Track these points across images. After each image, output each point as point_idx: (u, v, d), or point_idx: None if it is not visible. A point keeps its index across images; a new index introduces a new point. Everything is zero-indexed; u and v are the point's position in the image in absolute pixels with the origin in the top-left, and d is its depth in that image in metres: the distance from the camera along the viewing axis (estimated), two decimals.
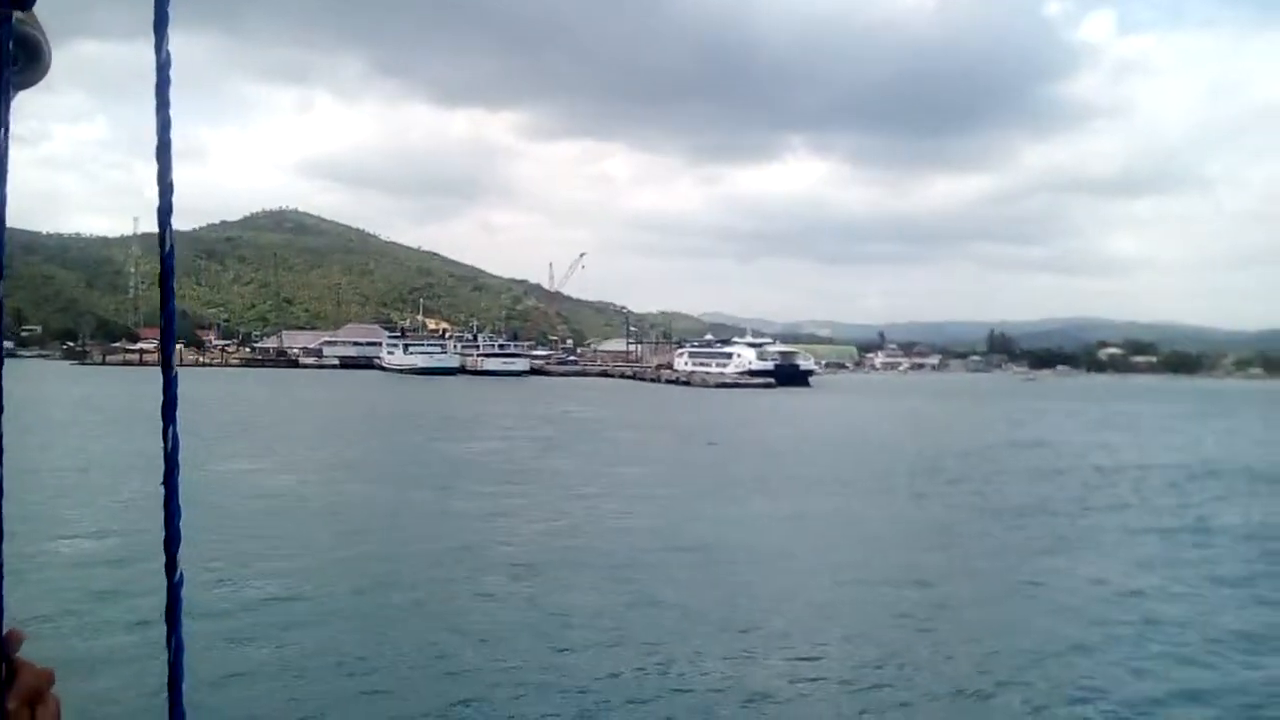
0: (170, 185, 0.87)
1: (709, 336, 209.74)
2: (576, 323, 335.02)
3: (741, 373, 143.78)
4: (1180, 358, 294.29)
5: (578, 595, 18.46)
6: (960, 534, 25.97)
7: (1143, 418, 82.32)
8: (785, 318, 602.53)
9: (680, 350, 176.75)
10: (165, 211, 0.87)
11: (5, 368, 1.12)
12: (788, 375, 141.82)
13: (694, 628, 16.49)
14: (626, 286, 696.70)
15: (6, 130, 1.19)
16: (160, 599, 0.90)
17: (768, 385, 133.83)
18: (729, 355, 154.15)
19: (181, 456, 0.90)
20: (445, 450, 44.61)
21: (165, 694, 0.92)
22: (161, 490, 0.89)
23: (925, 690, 13.79)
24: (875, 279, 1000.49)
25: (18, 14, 1.16)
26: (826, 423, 69.91)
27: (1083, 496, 33.88)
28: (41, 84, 1.79)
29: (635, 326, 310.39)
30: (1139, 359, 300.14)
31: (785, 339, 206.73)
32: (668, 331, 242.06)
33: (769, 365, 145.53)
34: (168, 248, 0.88)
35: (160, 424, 0.91)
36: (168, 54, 0.84)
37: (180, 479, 0.88)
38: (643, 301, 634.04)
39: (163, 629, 0.91)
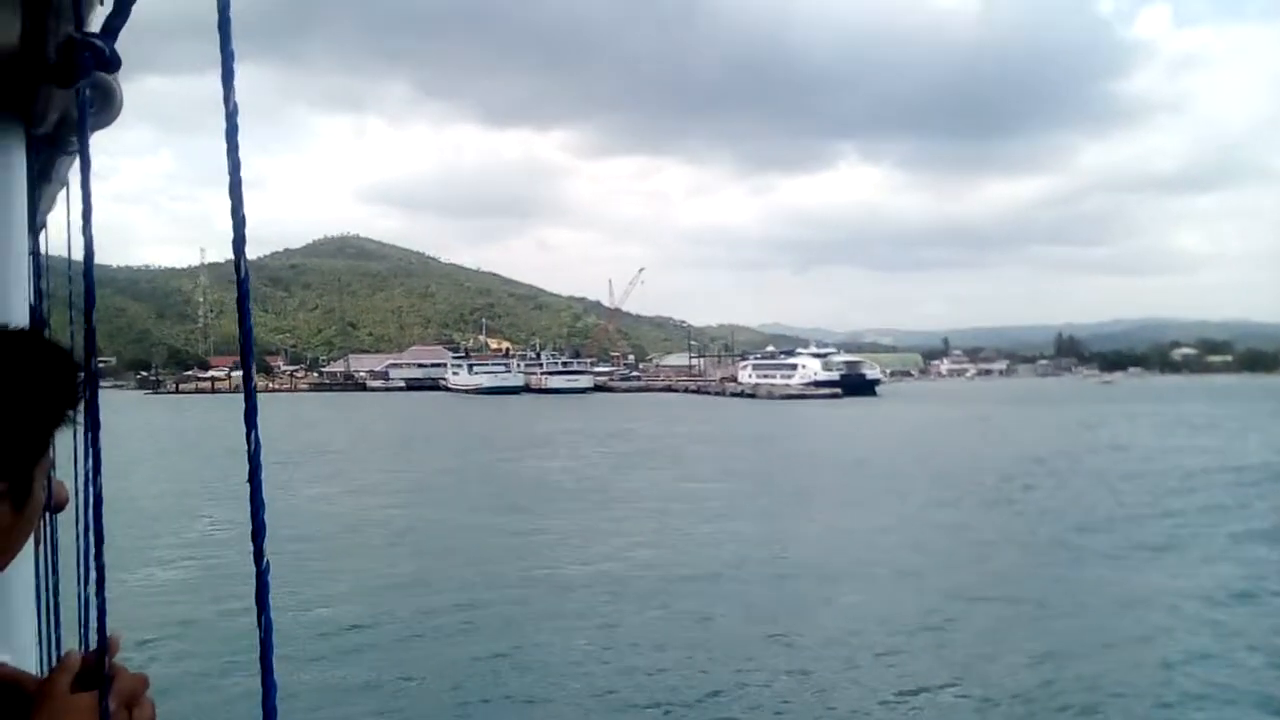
0: (243, 219, 0.92)
1: (770, 348, 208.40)
2: (636, 338, 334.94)
3: (807, 384, 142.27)
4: (1256, 356, 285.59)
5: (668, 616, 18.10)
6: (1060, 544, 25.15)
7: (1226, 419, 79.82)
8: (845, 327, 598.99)
9: (744, 363, 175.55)
10: (239, 243, 0.93)
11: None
12: (854, 385, 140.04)
13: (792, 649, 16.08)
14: (683, 301, 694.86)
15: (88, 171, 1.25)
16: (248, 592, 0.96)
17: (834, 395, 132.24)
18: (794, 366, 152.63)
19: (262, 457, 0.91)
20: (518, 470, 44.52)
21: (258, 687, 0.96)
22: (247, 487, 0.94)
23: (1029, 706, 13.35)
24: (933, 285, 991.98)
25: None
26: (900, 432, 68.62)
27: (1176, 501, 32.87)
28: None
29: (695, 340, 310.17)
30: (1214, 359, 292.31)
31: (847, 348, 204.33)
32: (729, 344, 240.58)
33: (835, 375, 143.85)
34: (243, 273, 0.93)
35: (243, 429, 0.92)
36: (235, 105, 0.89)
37: (263, 477, 0.93)
38: (701, 315, 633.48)
39: (253, 613, 0.95)
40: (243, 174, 0.95)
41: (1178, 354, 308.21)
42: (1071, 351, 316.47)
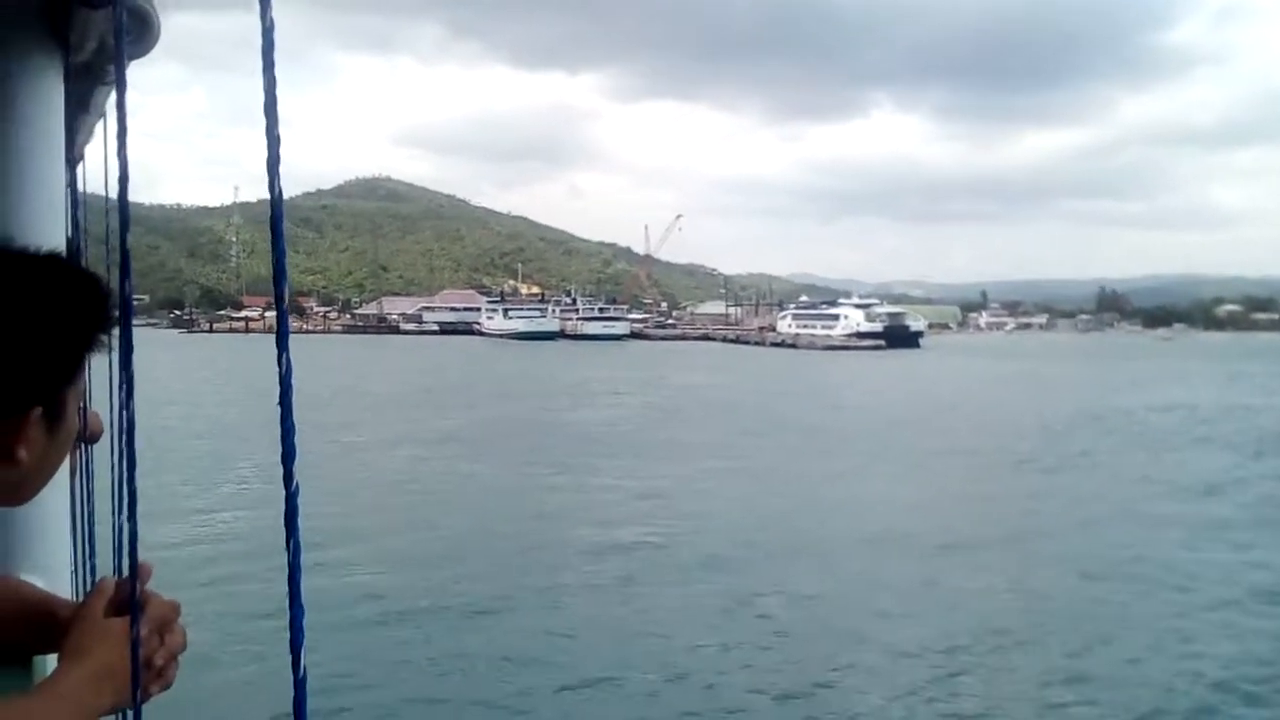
0: (278, 138, 0.89)
1: (804, 298, 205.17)
2: (667, 286, 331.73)
3: (849, 334, 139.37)
4: None
5: (723, 583, 16.54)
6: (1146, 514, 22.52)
7: None
8: (874, 278, 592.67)
9: (783, 312, 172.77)
10: (274, 163, 0.90)
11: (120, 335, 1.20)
12: (897, 337, 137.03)
13: (854, 623, 14.55)
14: (713, 249, 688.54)
15: (124, 98, 1.23)
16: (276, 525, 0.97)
17: (877, 347, 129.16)
18: (835, 317, 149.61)
19: (294, 380, 0.94)
20: (562, 421, 42.17)
21: (285, 614, 0.97)
22: (278, 409, 0.94)
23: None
24: (965, 238, 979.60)
25: None
26: (956, 387, 65.80)
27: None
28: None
29: (724, 289, 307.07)
30: (1260, 316, 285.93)
31: (879, 299, 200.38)
32: (766, 293, 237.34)
33: (878, 327, 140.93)
34: (277, 193, 0.90)
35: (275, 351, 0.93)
36: (272, 20, 0.87)
37: (294, 399, 0.93)
38: (731, 264, 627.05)
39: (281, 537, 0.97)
40: (278, 103, 0.90)
41: (1221, 311, 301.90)
42: (1113, 306, 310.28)
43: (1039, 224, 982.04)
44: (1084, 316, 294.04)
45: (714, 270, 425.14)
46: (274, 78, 0.88)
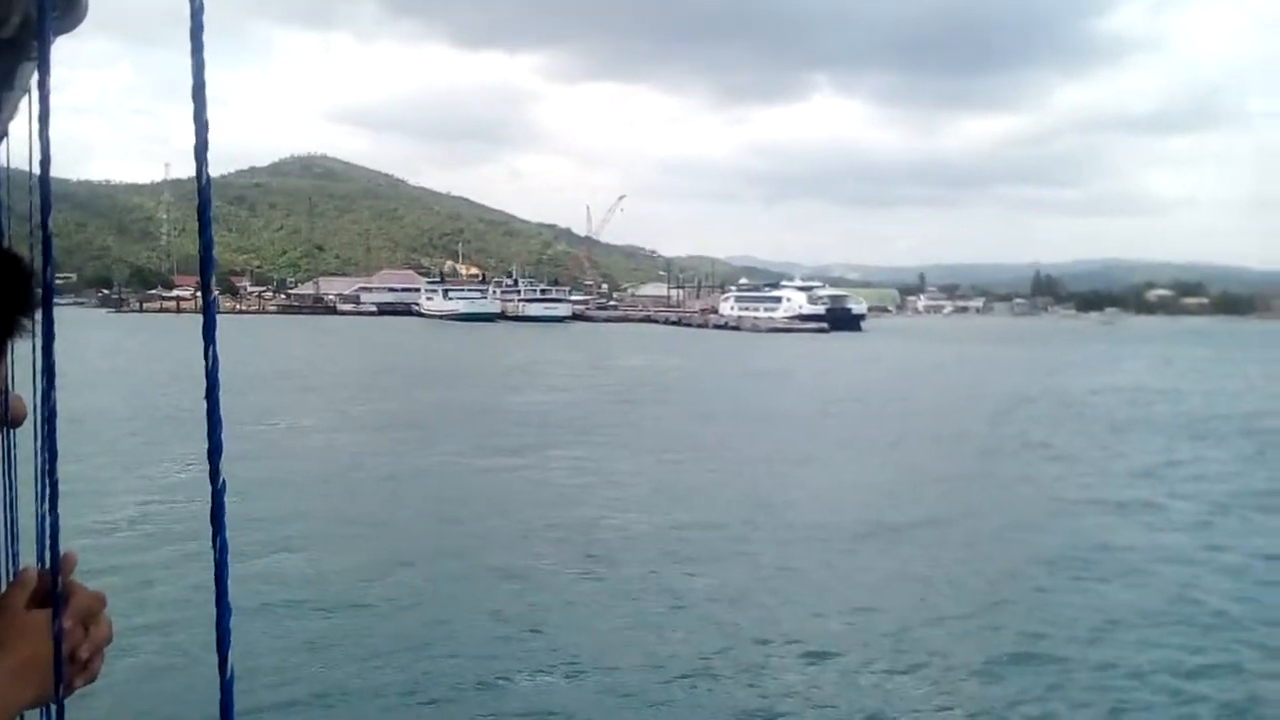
0: (206, 124, 0.86)
1: (745, 281, 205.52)
2: (606, 268, 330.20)
3: (792, 317, 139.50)
4: (1231, 299, 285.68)
5: (676, 572, 16.05)
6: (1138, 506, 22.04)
7: (1231, 363, 77.36)
8: (813, 261, 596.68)
9: (725, 295, 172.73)
10: (201, 149, 0.87)
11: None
12: (839, 319, 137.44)
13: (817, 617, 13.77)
14: (654, 231, 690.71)
15: (47, 76, 1.20)
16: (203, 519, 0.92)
17: (820, 330, 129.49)
18: (778, 299, 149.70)
19: (220, 374, 0.88)
20: (509, 404, 41.07)
21: (211, 608, 0.94)
22: (204, 404, 0.90)
23: None
24: (903, 222, 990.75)
25: None
26: (897, 370, 66.18)
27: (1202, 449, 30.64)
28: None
29: (664, 271, 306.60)
30: (1189, 300, 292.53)
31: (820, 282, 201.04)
32: (708, 276, 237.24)
33: (820, 309, 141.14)
34: (204, 180, 0.87)
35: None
36: (201, 1, 0.83)
37: (220, 395, 0.88)
38: (671, 246, 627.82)
39: (206, 536, 0.93)
40: (206, 85, 0.86)
41: (1153, 295, 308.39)
42: (1048, 291, 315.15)
43: (976, 209, 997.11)
44: (1019, 300, 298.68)
45: (654, 252, 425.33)
46: (202, 61, 0.86)
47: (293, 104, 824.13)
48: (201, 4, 0.84)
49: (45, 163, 1.20)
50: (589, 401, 42.52)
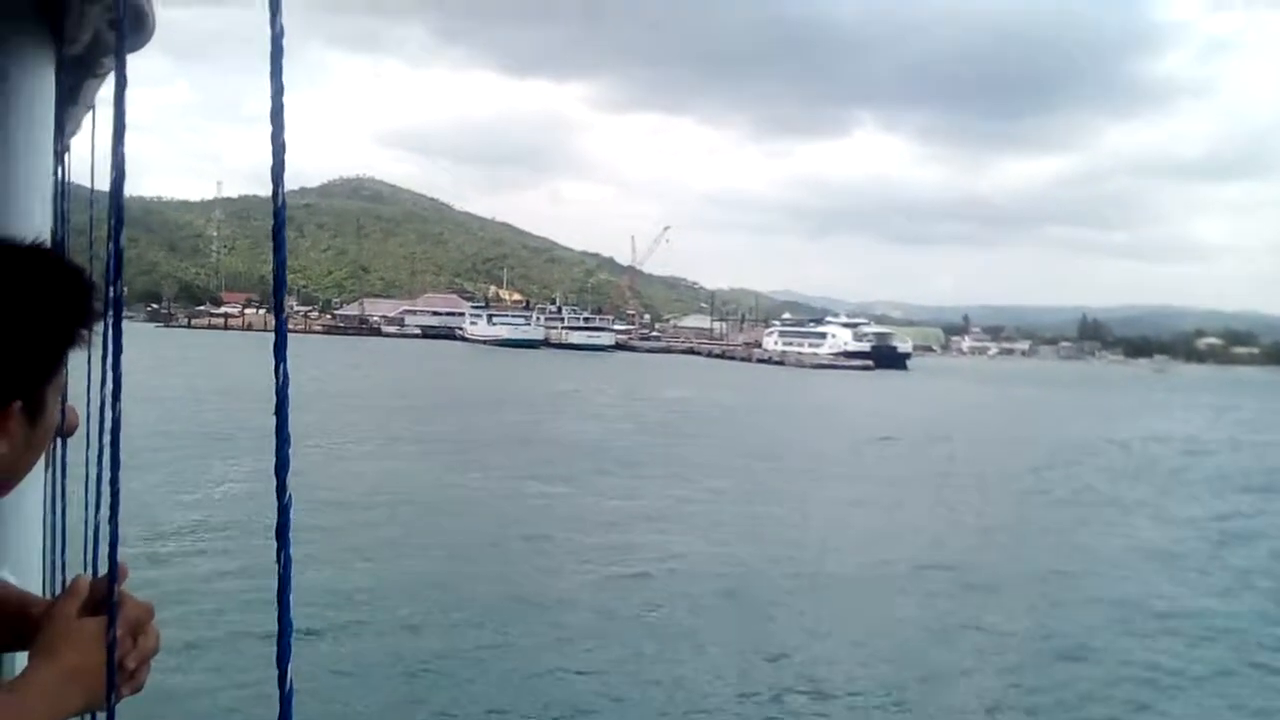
0: (283, 146, 0.91)
1: (788, 316, 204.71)
2: (648, 298, 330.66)
3: (837, 353, 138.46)
4: None
5: (731, 616, 15.38)
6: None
7: None
8: (855, 297, 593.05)
9: (769, 329, 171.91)
10: (278, 171, 0.92)
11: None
12: (885, 357, 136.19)
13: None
14: (695, 262, 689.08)
15: (124, 94, 1.20)
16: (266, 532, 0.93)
17: (865, 367, 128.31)
18: (822, 335, 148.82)
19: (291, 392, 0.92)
20: (553, 432, 40.49)
21: (274, 624, 0.94)
22: (274, 419, 0.92)
23: None
24: (946, 260, 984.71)
25: None
26: (948, 411, 64.83)
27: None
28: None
29: (705, 303, 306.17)
30: (1240, 350, 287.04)
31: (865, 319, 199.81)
32: (752, 308, 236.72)
33: (865, 346, 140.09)
34: (280, 202, 0.93)
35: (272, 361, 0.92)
36: (281, 26, 0.86)
37: (290, 410, 0.92)
38: (712, 278, 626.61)
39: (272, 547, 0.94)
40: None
41: (1202, 343, 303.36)
42: (1094, 335, 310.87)
43: (1021, 249, 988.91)
44: (1065, 344, 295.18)
45: (695, 284, 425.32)
46: (281, 85, 0.87)
47: (343, 126, 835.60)
48: (283, 29, 0.85)
49: (119, 179, 1.20)
50: (635, 433, 41.93)
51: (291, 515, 0.93)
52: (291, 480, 0.93)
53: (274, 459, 0.94)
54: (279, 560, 0.97)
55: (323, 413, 42.03)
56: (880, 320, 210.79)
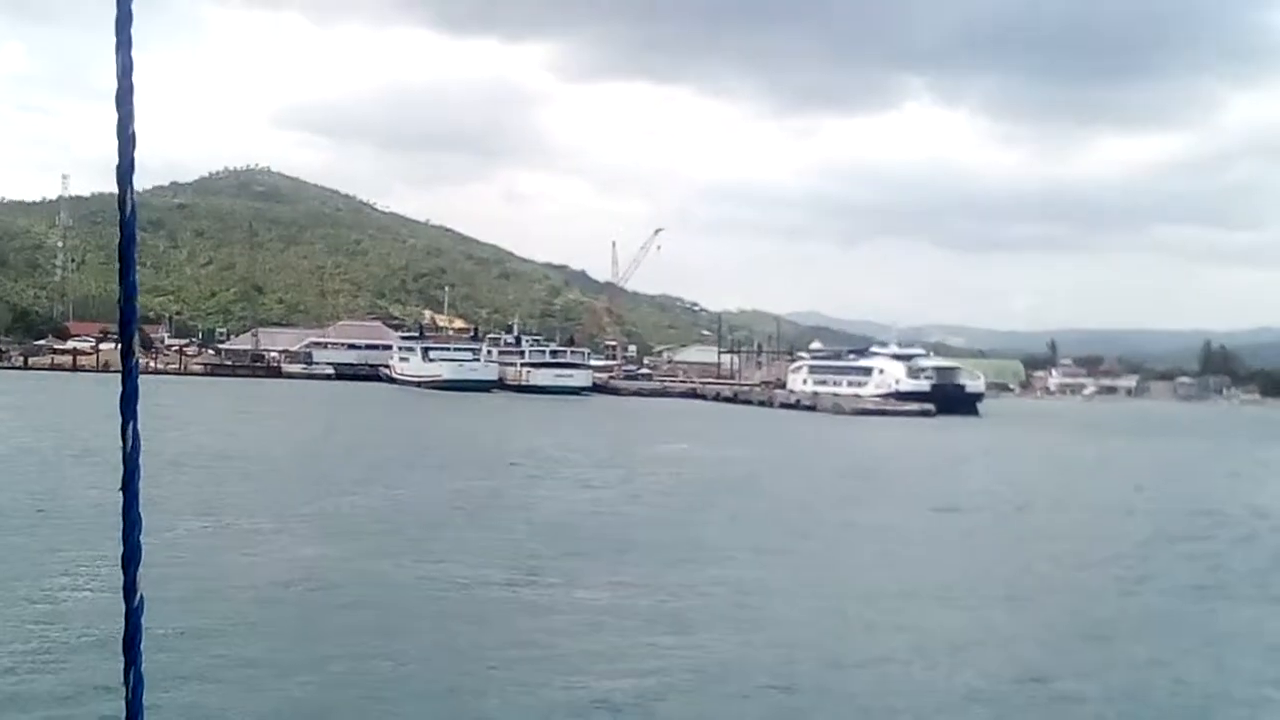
0: (132, 138, 0.85)
1: (816, 345, 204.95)
2: (633, 324, 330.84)
3: (886, 394, 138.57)
4: None
5: None
6: None
7: None
8: (903, 321, 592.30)
9: (796, 364, 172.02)
10: (126, 170, 0.86)
11: None
12: (949, 399, 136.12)
13: None
14: (693, 277, 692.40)
15: None
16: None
17: (924, 413, 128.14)
18: (866, 371, 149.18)
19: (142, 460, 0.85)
20: (518, 505, 40.48)
21: None
22: (120, 497, 0.88)
23: None
24: (1024, 271, 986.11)
25: None
26: (1039, 470, 65.10)
27: None
28: None
29: (709, 329, 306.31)
30: None
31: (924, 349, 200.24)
32: (771, 337, 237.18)
33: (923, 385, 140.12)
34: (129, 211, 0.85)
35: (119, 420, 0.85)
36: None
37: (141, 485, 0.87)
38: (716, 296, 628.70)
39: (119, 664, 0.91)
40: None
41: None
42: (1223, 367, 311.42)
43: (1121, 256, 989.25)
44: (1185, 380, 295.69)
45: (695, 305, 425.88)
46: (130, 59, 0.83)
47: (228, 102, 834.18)
48: None
49: None
50: (626, 505, 42.10)
51: (144, 621, 0.88)
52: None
53: (121, 548, 0.93)
54: (127, 680, 0.97)
55: (202, 480, 42.13)
56: (937, 350, 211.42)
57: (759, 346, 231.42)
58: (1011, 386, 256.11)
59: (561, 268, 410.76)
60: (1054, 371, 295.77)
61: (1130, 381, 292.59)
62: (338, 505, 38.04)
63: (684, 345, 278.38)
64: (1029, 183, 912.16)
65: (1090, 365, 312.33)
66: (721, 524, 37.14)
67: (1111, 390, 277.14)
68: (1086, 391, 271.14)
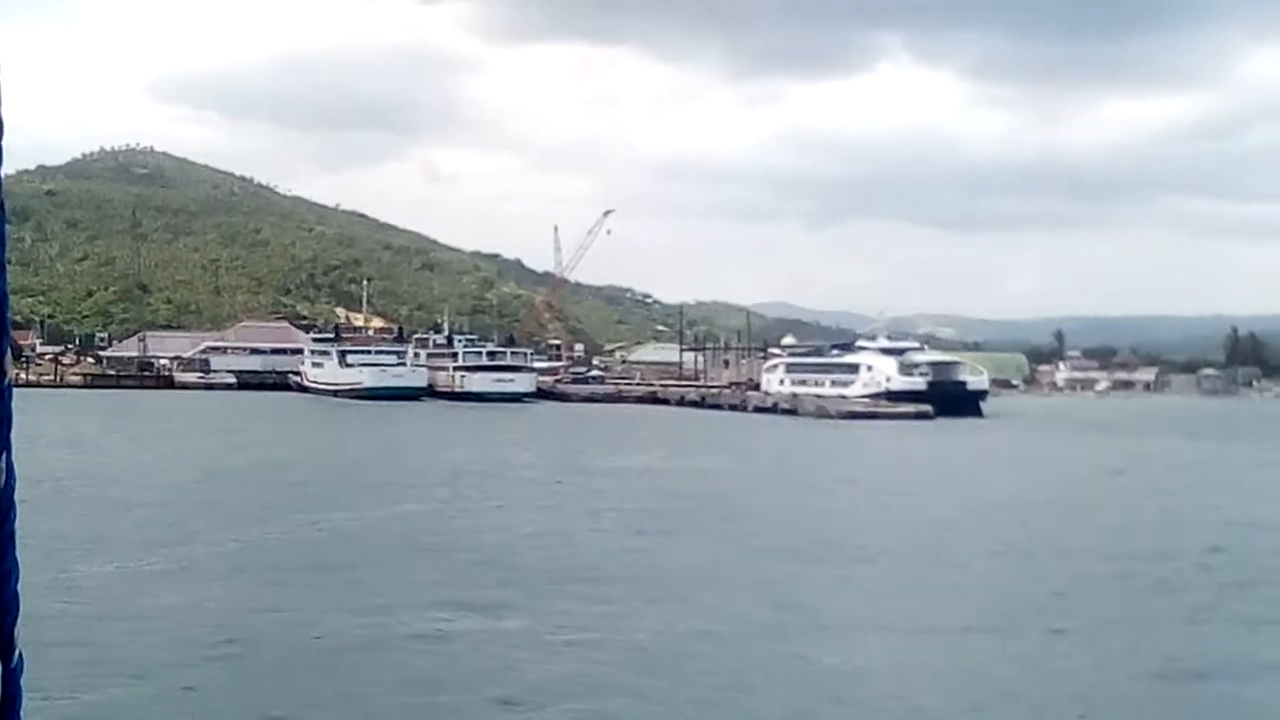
0: None
1: (790, 340, 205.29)
2: (578, 319, 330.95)
3: (876, 395, 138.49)
4: None
5: None
6: None
7: None
8: (883, 311, 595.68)
9: (771, 361, 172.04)
10: None
11: None
12: (950, 398, 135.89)
13: None
14: (644, 265, 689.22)
15: None
16: None
17: (922, 415, 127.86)
18: (852, 368, 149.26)
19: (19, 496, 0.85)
20: (459, 532, 40.01)
21: None
22: None
23: None
24: (1021, 252, 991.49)
25: None
26: (1063, 479, 65.16)
27: None
28: None
29: (663, 326, 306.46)
30: None
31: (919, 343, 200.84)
32: (740, 332, 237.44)
33: (919, 383, 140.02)
34: None
35: None
36: None
37: (17, 525, 0.87)
38: (670, 287, 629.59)
39: None
40: None
41: None
42: (1252, 357, 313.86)
43: (1126, 233, 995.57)
44: (1209, 372, 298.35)
45: (647, 297, 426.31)
46: None
47: (103, 75, 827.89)
48: None
49: None
50: (585, 529, 41.63)
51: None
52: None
53: None
54: None
55: (90, 513, 41.21)
56: (926, 342, 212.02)
57: (725, 343, 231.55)
58: (1015, 382, 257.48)
59: (493, 257, 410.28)
60: (1061, 365, 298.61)
61: (1148, 374, 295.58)
62: (254, 538, 37.16)
63: (639, 343, 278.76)
64: (1022, 152, 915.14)
65: (1102, 357, 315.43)
66: (690, 551, 36.42)
67: (1128, 385, 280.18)
68: (1100, 387, 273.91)
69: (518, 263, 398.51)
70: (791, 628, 25.84)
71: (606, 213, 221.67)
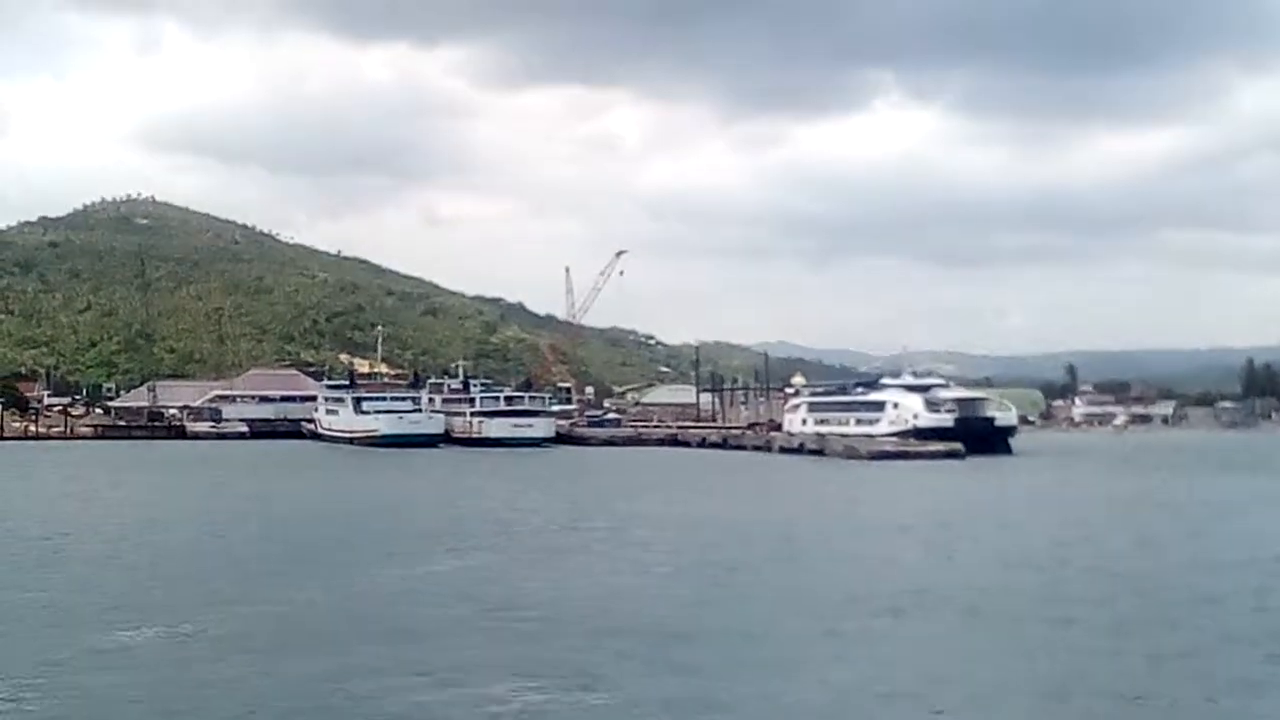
0: None
1: (799, 379, 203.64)
2: (582, 362, 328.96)
3: (904, 433, 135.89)
4: None
5: None
6: None
7: None
8: (885, 350, 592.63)
9: (793, 401, 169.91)
10: None
11: None
12: (977, 436, 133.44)
13: None
14: (642, 306, 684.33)
15: None
16: None
17: (953, 454, 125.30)
18: (878, 405, 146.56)
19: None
20: (502, 589, 37.04)
21: None
22: None
23: None
24: (1018, 287, 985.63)
25: None
26: (1103, 515, 63.52)
27: None
28: None
29: (665, 367, 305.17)
30: None
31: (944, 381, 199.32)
32: (761, 371, 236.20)
33: (947, 420, 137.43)
34: None
35: None
36: None
37: None
38: (670, 328, 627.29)
39: None
40: None
41: None
42: (1270, 388, 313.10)
43: (1126, 266, 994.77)
44: (1227, 404, 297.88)
45: (649, 338, 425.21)
46: None
47: (102, 128, 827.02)
48: None
49: None
50: (649, 583, 39.23)
51: None
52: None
53: None
54: None
55: (88, 575, 39.11)
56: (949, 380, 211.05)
57: (736, 383, 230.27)
58: (1031, 418, 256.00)
59: (496, 301, 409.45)
60: (1077, 400, 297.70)
61: (1165, 408, 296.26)
62: (287, 600, 34.53)
63: (649, 385, 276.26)
64: (1017, 187, 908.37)
65: (1117, 391, 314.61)
66: (745, 605, 34.04)
67: (1145, 419, 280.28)
68: (1118, 421, 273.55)
69: (520, 306, 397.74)
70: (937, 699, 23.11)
71: (619, 253, 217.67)
